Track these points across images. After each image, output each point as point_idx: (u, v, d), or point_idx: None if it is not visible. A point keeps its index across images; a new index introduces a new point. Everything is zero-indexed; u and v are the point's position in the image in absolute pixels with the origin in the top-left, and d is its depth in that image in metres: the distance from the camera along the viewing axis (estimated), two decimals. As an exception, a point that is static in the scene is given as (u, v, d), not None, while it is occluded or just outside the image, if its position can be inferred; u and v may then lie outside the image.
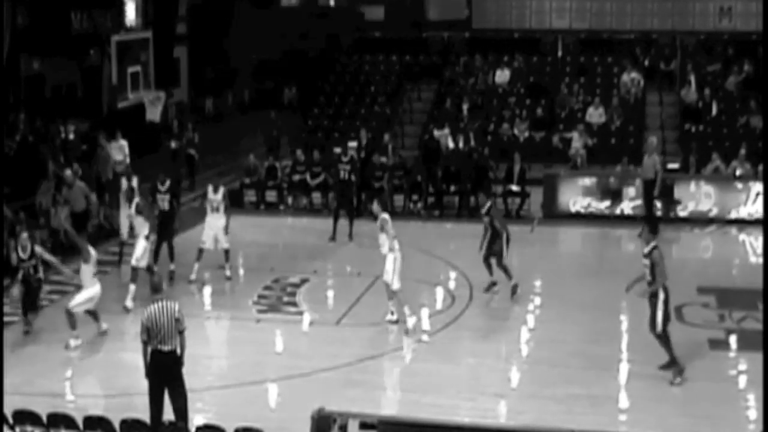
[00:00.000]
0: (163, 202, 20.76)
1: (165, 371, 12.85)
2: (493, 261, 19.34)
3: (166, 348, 12.77)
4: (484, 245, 19.42)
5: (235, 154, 32.69)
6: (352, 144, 28.01)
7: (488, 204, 19.84)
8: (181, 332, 12.85)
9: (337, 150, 28.99)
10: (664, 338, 15.34)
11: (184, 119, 33.43)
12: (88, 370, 16.31)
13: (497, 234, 19.26)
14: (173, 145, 30.79)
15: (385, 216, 17.79)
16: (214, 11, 42.55)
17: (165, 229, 20.64)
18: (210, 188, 21.10)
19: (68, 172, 23.29)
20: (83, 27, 33.52)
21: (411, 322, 17.52)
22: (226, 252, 20.80)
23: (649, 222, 16.13)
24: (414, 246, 22.28)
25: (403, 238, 18.76)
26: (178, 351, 12.86)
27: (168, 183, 20.84)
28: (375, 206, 18.36)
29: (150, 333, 12.75)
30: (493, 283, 19.63)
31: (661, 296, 15.16)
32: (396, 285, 17.59)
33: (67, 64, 34.02)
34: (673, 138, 30.58)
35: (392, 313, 17.91)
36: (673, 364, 15.42)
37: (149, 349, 12.82)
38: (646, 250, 15.33)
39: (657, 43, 35.21)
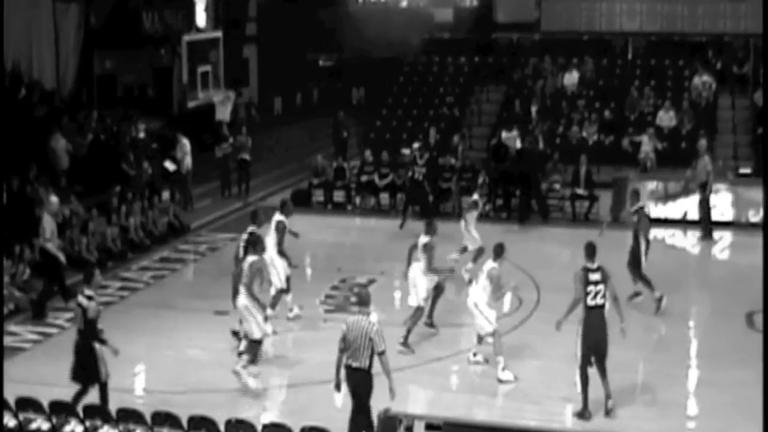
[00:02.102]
0: None
1: (352, 387, 12.64)
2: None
3: (355, 364, 12.53)
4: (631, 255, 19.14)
5: (304, 154, 32.80)
6: (416, 145, 28.10)
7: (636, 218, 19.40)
8: (379, 354, 12.46)
9: (405, 151, 29.05)
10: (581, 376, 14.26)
11: (239, 122, 33.10)
12: (155, 366, 16.45)
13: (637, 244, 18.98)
14: (218, 153, 29.41)
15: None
16: (283, 12, 42.79)
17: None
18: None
19: (53, 199, 19.66)
20: (154, 27, 33.90)
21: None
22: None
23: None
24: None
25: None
26: (370, 369, 12.53)
27: None
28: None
29: (343, 345, 12.59)
30: (637, 293, 19.21)
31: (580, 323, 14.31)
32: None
33: (138, 64, 34.43)
34: (746, 142, 30.21)
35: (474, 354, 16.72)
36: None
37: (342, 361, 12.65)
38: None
39: (730, 45, 34.78)
